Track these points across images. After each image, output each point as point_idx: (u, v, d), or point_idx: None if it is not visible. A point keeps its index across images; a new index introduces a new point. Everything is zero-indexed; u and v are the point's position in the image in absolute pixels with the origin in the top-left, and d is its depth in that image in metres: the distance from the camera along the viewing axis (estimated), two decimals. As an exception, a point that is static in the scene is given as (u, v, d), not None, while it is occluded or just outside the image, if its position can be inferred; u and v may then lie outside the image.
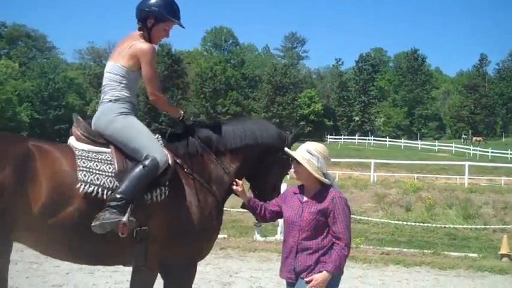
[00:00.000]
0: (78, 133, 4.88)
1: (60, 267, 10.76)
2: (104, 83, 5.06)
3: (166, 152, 4.87)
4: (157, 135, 5.13)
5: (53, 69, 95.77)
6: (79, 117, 5.02)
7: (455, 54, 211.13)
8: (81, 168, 4.54)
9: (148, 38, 5.08)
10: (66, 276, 10.09)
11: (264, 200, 5.33)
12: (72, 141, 4.88)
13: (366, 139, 79.82)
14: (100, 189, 4.54)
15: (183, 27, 5.28)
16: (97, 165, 4.63)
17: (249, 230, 18.39)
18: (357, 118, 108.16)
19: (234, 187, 5.23)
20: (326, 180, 4.77)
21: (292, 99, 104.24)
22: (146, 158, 4.67)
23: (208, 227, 5.06)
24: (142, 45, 4.94)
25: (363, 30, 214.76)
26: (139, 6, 5.12)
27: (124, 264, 5.10)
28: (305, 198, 4.81)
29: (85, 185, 4.49)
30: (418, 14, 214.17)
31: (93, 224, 4.41)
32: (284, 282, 4.94)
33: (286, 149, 5.09)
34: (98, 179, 4.56)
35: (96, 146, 4.81)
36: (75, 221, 4.41)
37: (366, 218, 21.53)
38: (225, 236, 16.61)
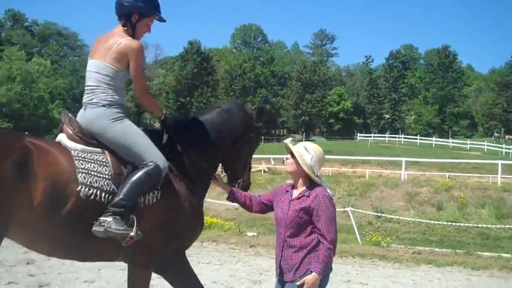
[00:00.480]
0: (71, 132, 4.80)
1: (93, 263, 10.86)
2: (90, 83, 4.91)
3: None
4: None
5: (84, 66, 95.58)
6: (71, 116, 4.94)
7: (487, 51, 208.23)
8: (80, 170, 4.52)
9: (132, 34, 4.97)
10: (98, 273, 10.18)
11: (236, 178, 5.61)
12: (63, 139, 4.80)
13: (396, 137, 79.03)
14: (99, 192, 4.53)
15: (165, 21, 5.21)
16: (94, 167, 4.61)
17: (279, 228, 18.35)
18: (387, 116, 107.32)
19: (212, 181, 5.42)
20: (315, 178, 4.83)
21: (322, 96, 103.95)
22: (148, 164, 4.65)
23: (194, 226, 5.17)
24: (131, 42, 4.84)
25: (393, 27, 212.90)
26: (121, 0, 4.97)
27: (112, 260, 5.08)
28: (293, 196, 4.88)
29: (85, 188, 4.47)
30: (449, 10, 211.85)
31: (95, 229, 4.43)
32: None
33: (284, 141, 5.17)
34: (96, 181, 4.55)
35: (89, 146, 4.76)
36: (70, 220, 4.38)
37: (396, 216, 21.37)
38: (255, 234, 16.64)
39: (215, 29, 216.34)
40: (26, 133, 4.82)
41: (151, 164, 4.65)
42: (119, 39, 4.84)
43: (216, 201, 20.60)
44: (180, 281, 5.08)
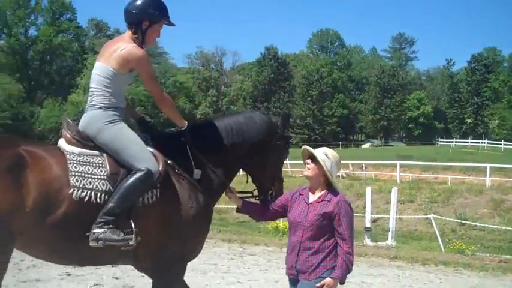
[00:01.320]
0: (69, 136, 4.83)
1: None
2: (92, 85, 4.94)
3: (157, 155, 4.83)
4: (146, 136, 5.07)
5: (164, 73, 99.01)
6: (69, 120, 4.98)
7: None
8: (73, 173, 4.53)
9: (142, 41, 4.98)
10: (179, 276, 10.30)
11: (265, 190, 5.46)
12: (62, 143, 4.83)
13: (479, 142, 76.65)
14: (93, 193, 4.53)
15: (174, 25, 5.19)
16: (89, 169, 4.62)
17: (358, 235, 18.11)
18: (469, 120, 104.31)
19: (225, 192, 5.34)
20: (335, 182, 5.01)
21: (401, 101, 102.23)
22: (140, 170, 4.61)
23: (198, 226, 5.05)
24: (136, 50, 4.82)
25: (475, 30, 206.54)
26: (130, 8, 4.97)
27: (113, 264, 5.10)
28: (311, 200, 4.99)
29: (77, 190, 4.47)
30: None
31: (93, 244, 4.43)
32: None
33: (305, 146, 5.16)
34: (90, 183, 4.55)
35: (86, 149, 4.78)
36: (65, 226, 4.41)
37: (481, 224, 20.70)
38: (335, 240, 16.46)
39: (292, 35, 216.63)
40: (23, 139, 4.87)
41: (143, 170, 4.61)
42: (124, 44, 4.85)
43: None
44: None
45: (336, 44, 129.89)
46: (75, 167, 4.56)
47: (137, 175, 4.58)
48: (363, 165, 43.13)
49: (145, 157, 4.72)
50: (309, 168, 5.00)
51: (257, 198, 5.58)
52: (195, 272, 10.60)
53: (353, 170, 41.98)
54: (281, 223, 18.53)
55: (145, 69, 4.94)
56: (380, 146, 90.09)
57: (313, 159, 4.98)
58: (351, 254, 4.79)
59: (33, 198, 4.27)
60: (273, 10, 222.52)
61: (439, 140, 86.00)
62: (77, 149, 4.74)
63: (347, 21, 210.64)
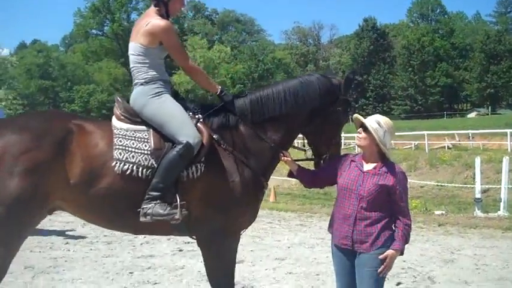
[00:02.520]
0: (118, 113, 4.96)
1: (281, 241, 11.21)
2: (131, 65, 5.07)
3: (202, 130, 4.82)
4: (193, 107, 5.08)
5: (262, 51, 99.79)
6: (119, 98, 5.11)
7: None
8: (118, 147, 4.66)
9: (166, 13, 5.01)
10: (287, 250, 10.43)
11: (321, 154, 5.31)
12: (113, 120, 4.96)
13: None
14: (135, 167, 4.63)
15: None
16: (133, 144, 4.72)
17: (468, 206, 17.61)
18: None
19: (282, 158, 5.18)
20: (388, 153, 4.85)
21: (509, 67, 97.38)
22: (180, 144, 4.64)
23: (244, 201, 4.96)
24: (159, 22, 4.88)
25: None
26: None
27: (167, 234, 5.26)
28: (366, 168, 4.86)
29: (120, 163, 4.60)
30: None
31: (143, 220, 4.57)
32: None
33: (356, 115, 4.94)
34: (133, 157, 4.65)
35: (134, 124, 4.88)
36: (112, 197, 4.59)
37: None
38: (443, 212, 16.11)
39: (390, 4, 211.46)
40: (76, 114, 5.02)
41: (182, 143, 4.65)
42: (149, 19, 4.94)
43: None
44: (215, 263, 5.01)
45: (438, 11, 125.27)
46: (120, 141, 4.73)
47: (176, 149, 4.67)
48: (470, 134, 41.73)
49: (185, 130, 4.76)
50: (360, 138, 4.89)
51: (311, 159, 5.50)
52: (302, 247, 10.71)
53: (459, 140, 40.73)
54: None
55: (170, 39, 4.99)
56: (487, 114, 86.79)
57: (365, 128, 4.83)
58: (410, 226, 4.80)
59: (79, 170, 4.50)
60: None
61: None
62: (125, 125, 4.90)
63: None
